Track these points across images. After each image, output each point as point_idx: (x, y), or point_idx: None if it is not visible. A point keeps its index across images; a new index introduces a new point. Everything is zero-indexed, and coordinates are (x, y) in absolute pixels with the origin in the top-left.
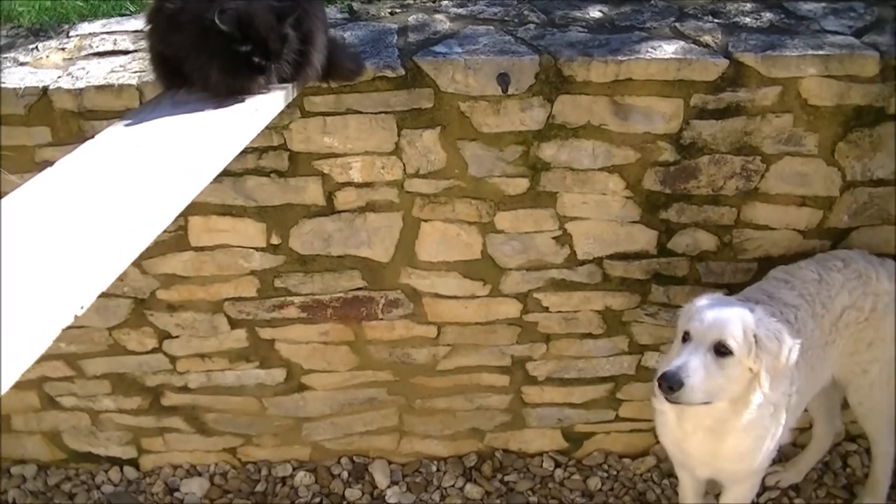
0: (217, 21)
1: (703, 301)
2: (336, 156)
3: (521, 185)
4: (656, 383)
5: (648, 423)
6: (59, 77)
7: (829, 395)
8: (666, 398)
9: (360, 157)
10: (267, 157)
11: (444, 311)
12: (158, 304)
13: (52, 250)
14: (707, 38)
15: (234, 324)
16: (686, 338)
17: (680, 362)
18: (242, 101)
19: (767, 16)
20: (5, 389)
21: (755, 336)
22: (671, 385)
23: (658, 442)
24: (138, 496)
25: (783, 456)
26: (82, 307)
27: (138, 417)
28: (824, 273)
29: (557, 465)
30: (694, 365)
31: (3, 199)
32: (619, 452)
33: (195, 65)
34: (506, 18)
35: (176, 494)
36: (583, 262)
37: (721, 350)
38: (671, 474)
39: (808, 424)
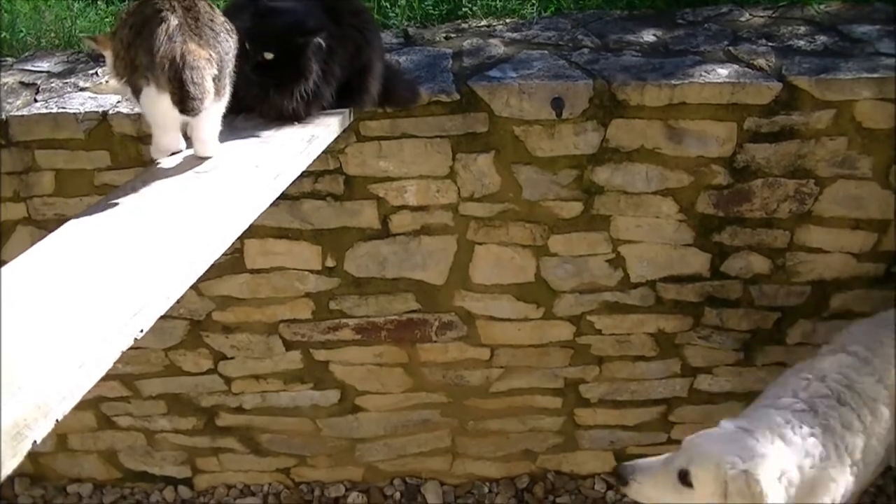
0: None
1: (722, 425)
2: (391, 179)
3: (575, 208)
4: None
5: None
6: (119, 102)
7: None
8: None
9: (414, 180)
10: (323, 180)
11: (497, 333)
12: (214, 326)
13: (114, 275)
14: (761, 62)
15: (288, 345)
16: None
17: (643, 462)
18: (296, 125)
19: (821, 39)
20: (68, 410)
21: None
22: (619, 475)
23: None
24: None
25: None
26: (142, 330)
27: (193, 437)
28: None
29: (609, 486)
30: (647, 475)
31: (67, 223)
32: None
33: (248, 89)
34: (560, 43)
35: None
36: (636, 285)
37: (685, 479)
38: None
39: None
